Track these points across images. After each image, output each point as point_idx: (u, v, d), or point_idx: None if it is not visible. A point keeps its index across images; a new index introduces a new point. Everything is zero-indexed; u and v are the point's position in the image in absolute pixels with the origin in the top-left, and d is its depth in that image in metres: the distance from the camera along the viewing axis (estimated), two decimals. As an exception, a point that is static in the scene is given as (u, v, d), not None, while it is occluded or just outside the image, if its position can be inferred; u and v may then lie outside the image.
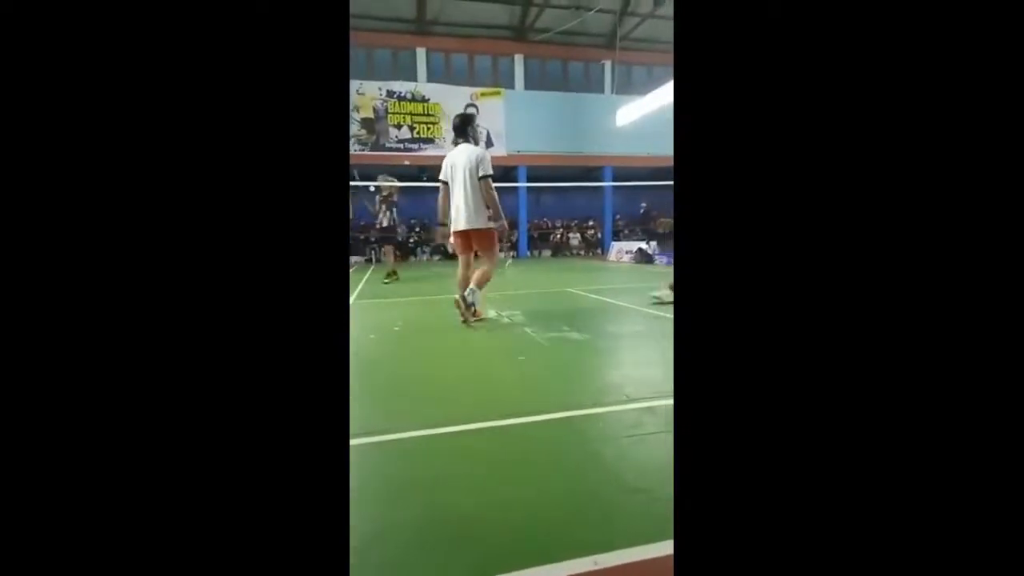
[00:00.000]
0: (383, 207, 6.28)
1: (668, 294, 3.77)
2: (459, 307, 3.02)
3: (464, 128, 3.14)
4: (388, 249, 6.53)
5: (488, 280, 3.13)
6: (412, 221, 14.25)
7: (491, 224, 3.08)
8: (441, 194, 3.18)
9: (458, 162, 3.04)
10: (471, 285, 3.03)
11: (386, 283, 5.84)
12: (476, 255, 3.24)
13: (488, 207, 3.04)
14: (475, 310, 3.06)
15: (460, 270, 3.20)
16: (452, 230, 3.16)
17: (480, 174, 2.98)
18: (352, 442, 1.31)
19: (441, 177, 3.15)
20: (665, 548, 0.88)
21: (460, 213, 3.05)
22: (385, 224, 6.29)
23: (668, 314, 3.37)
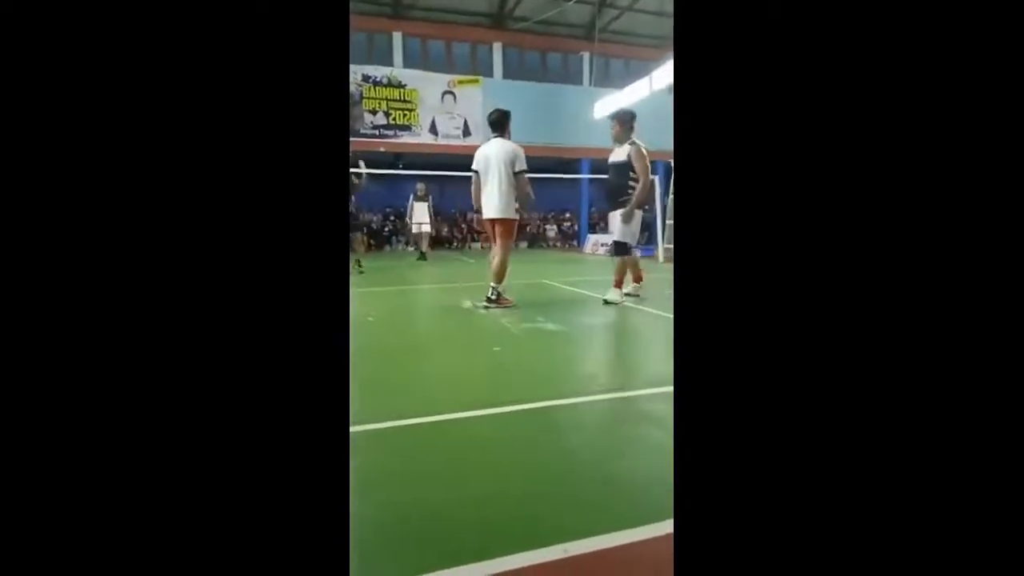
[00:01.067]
0: None
1: (615, 294, 3.47)
2: (489, 299, 3.38)
3: (501, 124, 3.40)
4: (358, 238, 6.48)
5: (505, 270, 3.45)
6: (388, 210, 14.03)
7: (516, 215, 3.41)
8: (474, 182, 3.44)
9: (492, 155, 3.31)
10: (492, 283, 3.39)
11: (361, 272, 5.78)
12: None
13: (517, 200, 3.38)
14: (503, 299, 3.40)
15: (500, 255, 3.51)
16: (483, 217, 3.44)
17: (516, 169, 3.28)
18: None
19: (474, 167, 3.41)
20: (637, 534, 0.90)
21: (492, 201, 3.33)
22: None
23: (643, 307, 3.41)
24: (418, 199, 8.25)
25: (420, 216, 8.28)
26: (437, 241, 11.80)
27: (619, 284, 3.55)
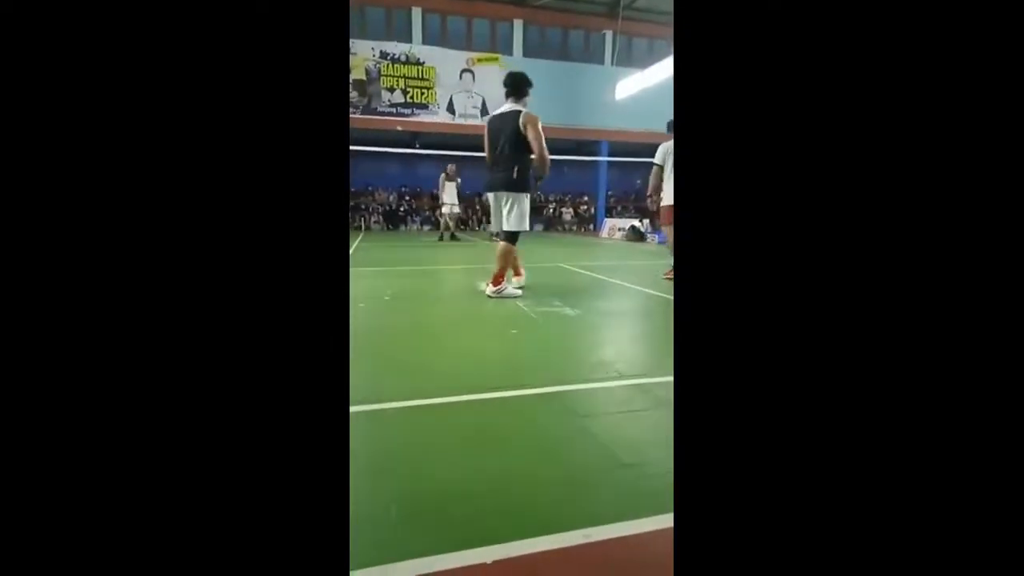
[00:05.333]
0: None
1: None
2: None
3: None
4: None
5: None
6: (403, 189, 14.02)
7: None
8: (655, 174, 4.13)
9: (672, 154, 4.09)
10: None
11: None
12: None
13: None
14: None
15: (671, 236, 4.29)
16: (665, 203, 4.08)
17: None
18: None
19: (657, 161, 4.10)
20: (658, 522, 0.89)
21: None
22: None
23: (659, 291, 3.38)
24: (449, 179, 8.10)
25: (450, 197, 8.24)
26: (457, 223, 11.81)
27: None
